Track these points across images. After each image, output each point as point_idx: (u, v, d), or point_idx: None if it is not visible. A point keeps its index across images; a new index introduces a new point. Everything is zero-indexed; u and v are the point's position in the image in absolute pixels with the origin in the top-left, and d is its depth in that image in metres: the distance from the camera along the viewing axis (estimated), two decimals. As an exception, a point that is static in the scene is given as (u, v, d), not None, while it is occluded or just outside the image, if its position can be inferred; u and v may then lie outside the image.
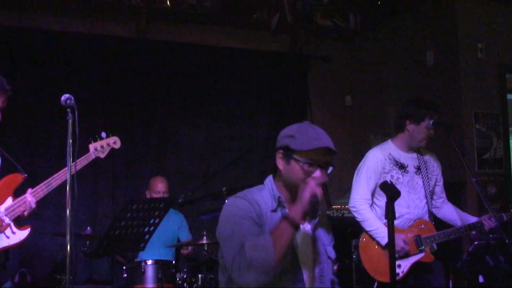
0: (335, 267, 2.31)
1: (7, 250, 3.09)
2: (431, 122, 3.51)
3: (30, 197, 3.08)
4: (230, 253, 2.00)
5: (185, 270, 4.15)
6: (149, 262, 4.06)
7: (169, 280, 4.04)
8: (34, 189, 3.15)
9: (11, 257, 3.28)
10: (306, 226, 2.19)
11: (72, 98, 2.68)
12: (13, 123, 4.79)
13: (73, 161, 2.62)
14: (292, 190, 2.10)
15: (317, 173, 2.05)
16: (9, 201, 3.07)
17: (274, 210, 2.11)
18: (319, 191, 2.00)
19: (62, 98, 2.68)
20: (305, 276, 2.11)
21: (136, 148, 5.45)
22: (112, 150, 3.67)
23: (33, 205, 3.09)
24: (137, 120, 5.49)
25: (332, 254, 2.26)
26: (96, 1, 5.22)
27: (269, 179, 2.19)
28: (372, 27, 6.16)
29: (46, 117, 5.00)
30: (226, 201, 2.22)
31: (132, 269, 4.03)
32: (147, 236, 3.72)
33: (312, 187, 1.99)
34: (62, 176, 3.18)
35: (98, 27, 5.42)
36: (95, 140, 3.57)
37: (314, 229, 2.21)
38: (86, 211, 5.09)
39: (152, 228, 3.67)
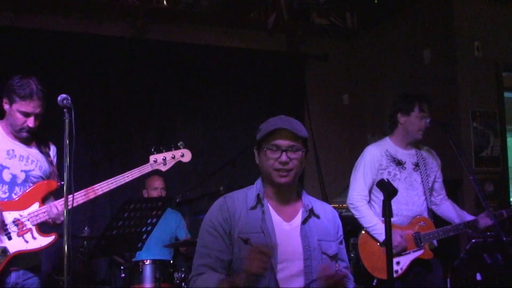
0: (337, 263, 2.22)
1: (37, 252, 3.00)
2: (428, 120, 3.53)
3: (53, 207, 2.94)
4: (194, 262, 2.17)
5: (183, 269, 4.14)
6: (147, 262, 4.06)
7: (167, 279, 4.04)
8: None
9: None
10: (293, 223, 2.17)
11: (69, 98, 2.66)
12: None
13: (69, 162, 2.60)
14: (271, 183, 2.14)
15: (283, 157, 2.08)
16: (35, 207, 3.00)
17: (253, 207, 2.15)
18: (265, 263, 1.93)
19: (59, 98, 2.66)
20: (287, 272, 2.06)
21: (133, 148, 5.44)
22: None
23: (55, 212, 2.91)
24: (134, 119, 5.48)
25: (331, 250, 2.18)
26: (92, 0, 5.21)
27: (259, 179, 2.25)
28: (369, 25, 6.16)
29: (43, 118, 4.96)
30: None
31: (130, 269, 4.01)
32: (144, 236, 3.71)
33: (256, 261, 1.93)
34: (104, 187, 3.05)
35: (94, 26, 5.40)
36: (159, 151, 3.34)
37: (304, 223, 2.17)
38: (83, 211, 5.07)
39: (149, 228, 3.66)
